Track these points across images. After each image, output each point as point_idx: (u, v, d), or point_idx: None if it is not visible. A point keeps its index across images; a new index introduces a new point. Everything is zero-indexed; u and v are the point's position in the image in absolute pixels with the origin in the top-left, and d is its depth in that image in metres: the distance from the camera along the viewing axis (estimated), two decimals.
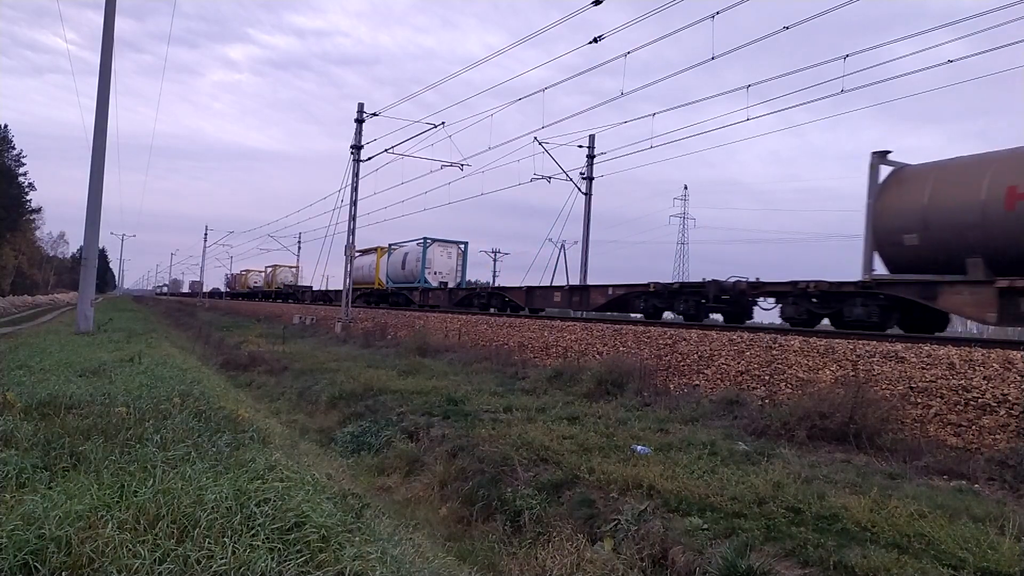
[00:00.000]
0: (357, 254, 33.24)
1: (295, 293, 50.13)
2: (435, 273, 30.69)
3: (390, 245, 35.29)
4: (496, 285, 33.39)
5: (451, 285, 30.00)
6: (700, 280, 15.77)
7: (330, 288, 43.63)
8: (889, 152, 12.34)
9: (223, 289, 77.01)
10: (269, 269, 59.43)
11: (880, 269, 12.12)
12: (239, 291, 66.38)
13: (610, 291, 18.48)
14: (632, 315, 18.22)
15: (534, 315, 20.81)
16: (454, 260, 31.77)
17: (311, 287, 48.89)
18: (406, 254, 32.56)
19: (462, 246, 32.48)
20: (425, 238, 31.21)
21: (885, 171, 12.30)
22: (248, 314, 42.97)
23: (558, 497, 6.00)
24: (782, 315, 13.91)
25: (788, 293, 13.38)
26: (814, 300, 12.89)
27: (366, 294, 34.95)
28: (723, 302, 15.20)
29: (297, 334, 25.54)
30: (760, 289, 14.38)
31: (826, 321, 13.05)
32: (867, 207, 12.12)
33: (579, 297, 19.96)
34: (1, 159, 66.77)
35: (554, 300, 21.62)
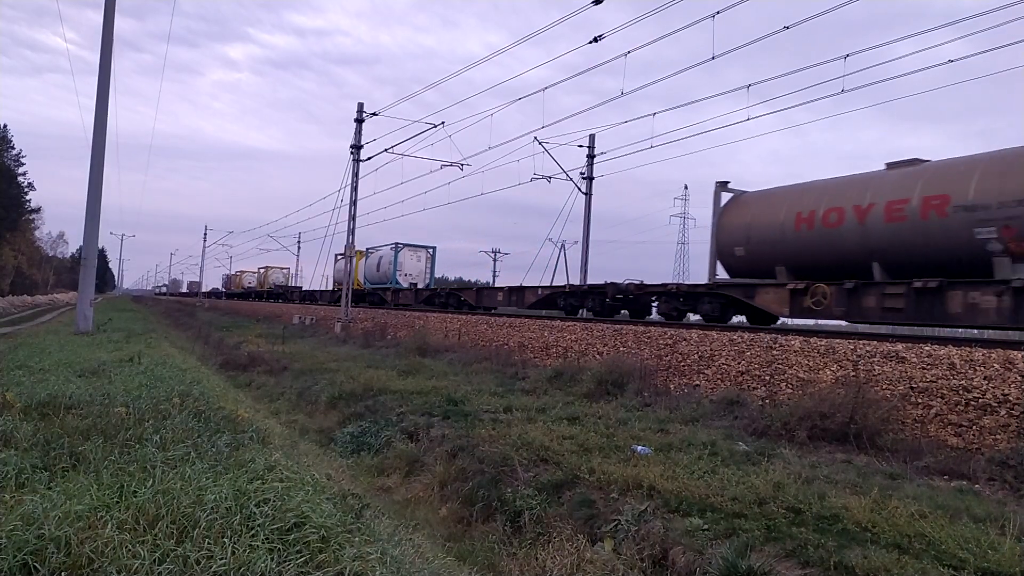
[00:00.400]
0: (340, 257, 37.80)
1: (285, 293, 53.12)
2: (405, 275, 33.62)
3: (367, 249, 37.68)
4: (453, 286, 37.29)
5: (420, 286, 32.68)
6: (603, 282, 18.29)
7: (316, 288, 45.94)
8: (728, 182, 15.56)
9: (220, 289, 78.90)
10: (262, 270, 62.35)
11: (722, 274, 15.10)
12: (234, 291, 69.24)
13: (539, 291, 21.88)
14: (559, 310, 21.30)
15: (535, 316, 21.15)
16: (423, 263, 34.66)
17: (300, 287, 52.25)
18: (381, 257, 35.41)
19: (431, 250, 35.13)
20: (396, 243, 33.97)
21: (725, 197, 15.37)
22: (248, 314, 42.95)
23: (558, 497, 5.99)
24: (658, 311, 16.53)
25: (662, 293, 16.23)
26: (680, 299, 15.55)
27: (355, 292, 36.80)
28: (626, 300, 17.72)
29: (297, 334, 25.52)
30: (643, 289, 17.07)
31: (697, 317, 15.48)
32: (712, 225, 15.27)
33: (516, 296, 22.96)
34: (1, 159, 66.76)
35: (497, 299, 24.18)
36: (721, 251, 14.87)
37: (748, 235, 14.03)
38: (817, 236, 12.58)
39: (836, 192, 12.53)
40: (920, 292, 10.60)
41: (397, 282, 33.08)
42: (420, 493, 7.07)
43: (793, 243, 13.04)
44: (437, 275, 35.58)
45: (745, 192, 15.06)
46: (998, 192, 10.02)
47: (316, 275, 57.24)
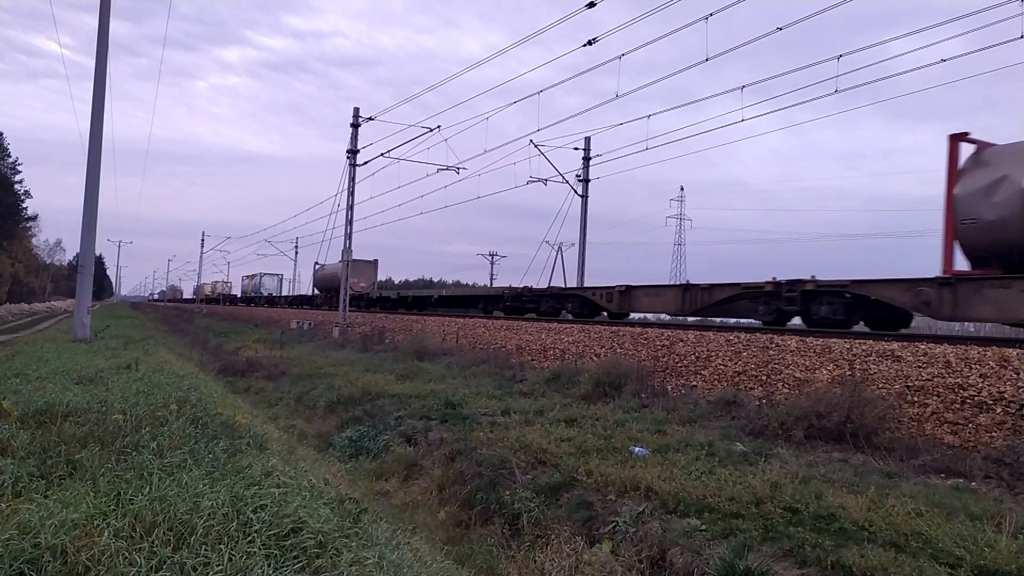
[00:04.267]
0: (243, 278, 75.02)
1: (223, 298, 79.92)
2: (266, 290, 65.79)
3: (251, 275, 70.15)
4: (296, 294, 59.78)
5: (275, 295, 63.67)
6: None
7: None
8: (319, 262, 46.55)
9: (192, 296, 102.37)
10: (215, 282, 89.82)
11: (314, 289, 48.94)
12: (200, 298, 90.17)
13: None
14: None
15: (531, 319, 21.05)
16: (276, 283, 67.61)
17: (235, 295, 79.37)
18: (255, 280, 68.18)
19: (281, 275, 68.75)
20: (261, 273, 67.71)
21: (317, 266, 47.05)
22: (245, 319, 42.95)
23: (556, 499, 6.00)
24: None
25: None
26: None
27: (245, 299, 69.75)
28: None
29: (295, 339, 25.50)
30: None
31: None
32: (313, 275, 48.24)
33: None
34: None
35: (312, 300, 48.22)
36: (317, 281, 44.82)
37: (323, 278, 44.05)
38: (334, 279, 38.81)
39: (331, 270, 41.57)
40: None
41: (260, 293, 65.36)
42: (418, 497, 7.07)
43: (325, 279, 43.63)
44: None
45: (324, 264, 45.13)
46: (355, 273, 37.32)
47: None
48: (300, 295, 53.83)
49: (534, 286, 23.18)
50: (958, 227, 11.04)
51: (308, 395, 12.43)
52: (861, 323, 12.88)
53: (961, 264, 11.20)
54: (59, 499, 3.55)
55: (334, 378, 13.30)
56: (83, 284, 18.44)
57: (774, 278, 13.62)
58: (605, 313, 18.88)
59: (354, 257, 36.01)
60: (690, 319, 17.33)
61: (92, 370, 9.35)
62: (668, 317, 18.40)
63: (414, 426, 9.06)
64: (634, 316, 20.21)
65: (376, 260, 41.93)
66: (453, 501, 6.66)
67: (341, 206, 27.96)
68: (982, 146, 11.32)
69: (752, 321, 15.01)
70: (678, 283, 17.88)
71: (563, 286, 24.50)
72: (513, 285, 22.88)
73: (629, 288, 17.92)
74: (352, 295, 36.80)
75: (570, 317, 19.79)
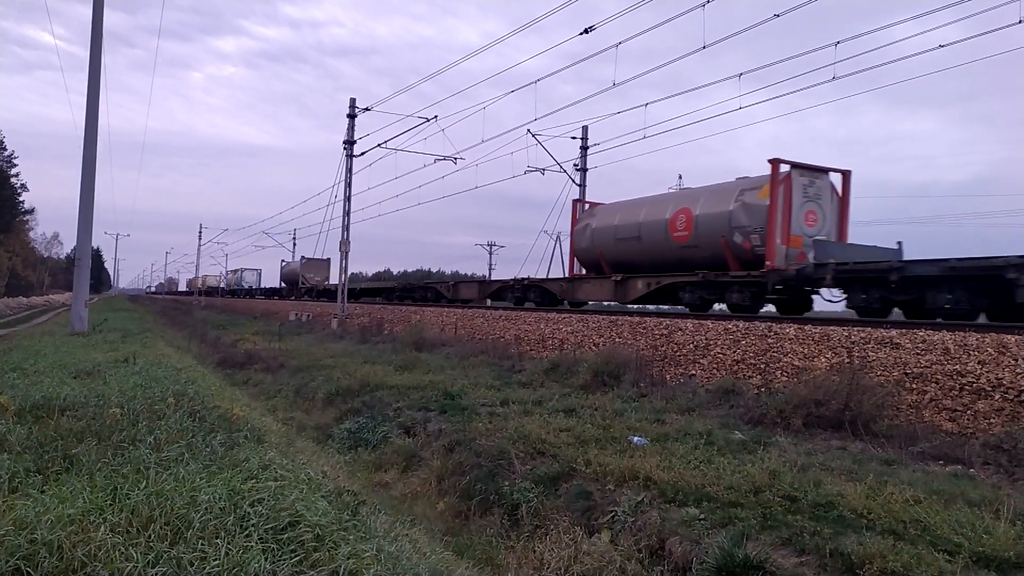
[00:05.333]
0: (228, 273, 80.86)
1: (212, 291, 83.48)
2: (247, 283, 70.01)
3: (234, 270, 76.20)
4: (268, 287, 67.28)
5: (255, 287, 68.94)
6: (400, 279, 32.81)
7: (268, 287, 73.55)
8: (285, 260, 62.67)
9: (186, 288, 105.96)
10: (204, 276, 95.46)
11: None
12: (196, 290, 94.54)
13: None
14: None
15: (531, 309, 21.33)
16: (256, 276, 71.62)
17: (222, 287, 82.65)
18: (238, 274, 73.35)
19: (259, 270, 73.24)
20: (242, 268, 73.60)
21: (284, 263, 59.91)
22: (244, 311, 42.96)
23: (555, 490, 6.00)
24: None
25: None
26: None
27: (229, 291, 73.06)
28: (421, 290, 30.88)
29: (293, 331, 25.49)
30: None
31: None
32: (281, 271, 58.96)
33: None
34: None
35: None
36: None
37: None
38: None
39: (292, 268, 52.99)
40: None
41: (242, 286, 69.62)
42: (418, 488, 7.07)
43: (288, 275, 53.69)
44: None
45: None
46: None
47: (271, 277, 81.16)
48: (272, 288, 64.73)
49: (434, 279, 35.17)
50: (575, 249, 20.40)
51: (307, 387, 12.43)
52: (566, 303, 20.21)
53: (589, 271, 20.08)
54: (55, 494, 3.54)
55: (333, 370, 13.29)
56: (80, 277, 18.39)
57: (515, 276, 22.35)
58: (460, 301, 25.41)
59: (315, 256, 43.36)
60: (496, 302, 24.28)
61: (90, 364, 9.33)
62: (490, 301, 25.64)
63: (413, 417, 9.05)
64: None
65: (329, 259, 47.38)
66: (452, 492, 6.66)
67: (338, 197, 28.00)
68: (592, 205, 20.86)
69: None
70: (480, 279, 28.81)
71: (427, 281, 34.67)
72: (408, 275, 32.42)
73: (457, 282, 27.31)
74: (307, 287, 45.64)
75: (431, 300, 28.21)
